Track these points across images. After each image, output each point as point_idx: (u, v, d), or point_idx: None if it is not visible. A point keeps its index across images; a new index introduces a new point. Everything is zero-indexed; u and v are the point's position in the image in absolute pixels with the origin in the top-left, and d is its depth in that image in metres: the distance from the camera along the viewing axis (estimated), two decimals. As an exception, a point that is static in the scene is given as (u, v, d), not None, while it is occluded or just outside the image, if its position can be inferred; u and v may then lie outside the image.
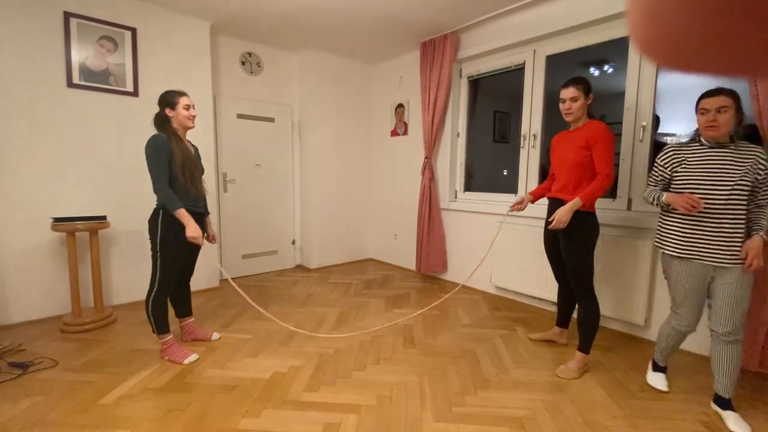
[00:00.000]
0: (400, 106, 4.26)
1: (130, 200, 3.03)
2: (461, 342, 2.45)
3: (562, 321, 2.39)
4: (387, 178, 4.54)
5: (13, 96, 2.54)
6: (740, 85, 1.72)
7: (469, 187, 3.83)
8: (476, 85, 3.77)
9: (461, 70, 3.66)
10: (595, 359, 2.21)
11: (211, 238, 2.41)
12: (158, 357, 2.19)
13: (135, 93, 2.99)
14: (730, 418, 1.63)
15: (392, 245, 4.53)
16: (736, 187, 1.56)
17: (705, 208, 1.60)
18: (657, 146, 2.56)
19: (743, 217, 1.59)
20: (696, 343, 2.28)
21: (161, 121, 2.08)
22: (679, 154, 1.72)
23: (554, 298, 2.69)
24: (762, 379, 2.03)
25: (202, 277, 3.40)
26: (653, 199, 1.80)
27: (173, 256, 2.09)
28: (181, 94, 2.09)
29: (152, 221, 2.06)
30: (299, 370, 2.07)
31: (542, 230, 2.86)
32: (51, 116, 2.68)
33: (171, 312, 2.31)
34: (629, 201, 2.57)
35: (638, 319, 2.45)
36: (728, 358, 1.65)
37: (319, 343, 2.40)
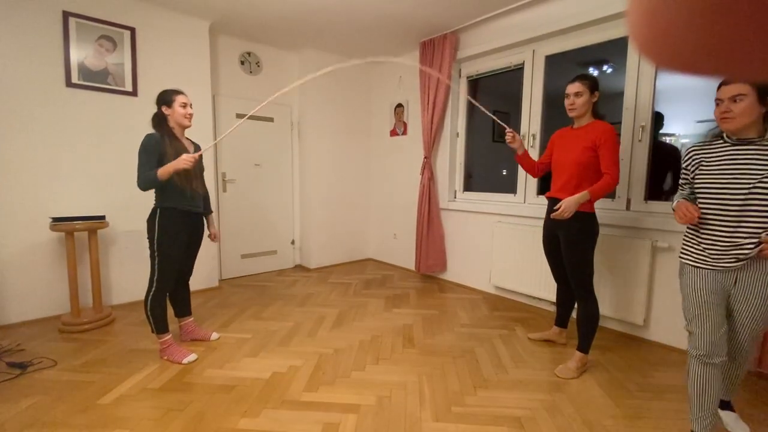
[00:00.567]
0: (400, 106, 4.26)
1: (129, 200, 3.02)
2: (460, 342, 2.45)
3: (561, 321, 2.39)
4: (386, 178, 4.54)
5: (12, 95, 2.54)
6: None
7: (468, 186, 3.83)
8: (475, 85, 3.77)
9: (460, 69, 3.66)
10: (594, 359, 2.22)
11: (213, 237, 2.42)
12: (157, 357, 2.19)
13: (134, 93, 2.99)
14: (729, 418, 1.63)
15: (391, 245, 4.53)
16: (754, 189, 1.34)
17: (717, 214, 1.42)
18: (657, 146, 2.57)
19: (764, 225, 1.36)
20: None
21: (158, 120, 2.09)
22: (699, 153, 1.51)
23: (553, 297, 2.69)
24: (762, 379, 2.04)
25: (201, 277, 3.40)
26: (672, 207, 1.60)
27: (171, 255, 2.09)
28: (178, 92, 2.10)
29: (150, 221, 2.06)
30: (298, 370, 2.07)
31: (541, 230, 2.87)
32: (50, 116, 2.68)
33: (170, 312, 2.31)
34: (628, 201, 2.57)
35: (637, 319, 2.45)
36: (732, 375, 1.57)
37: (319, 343, 2.40)
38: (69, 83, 2.72)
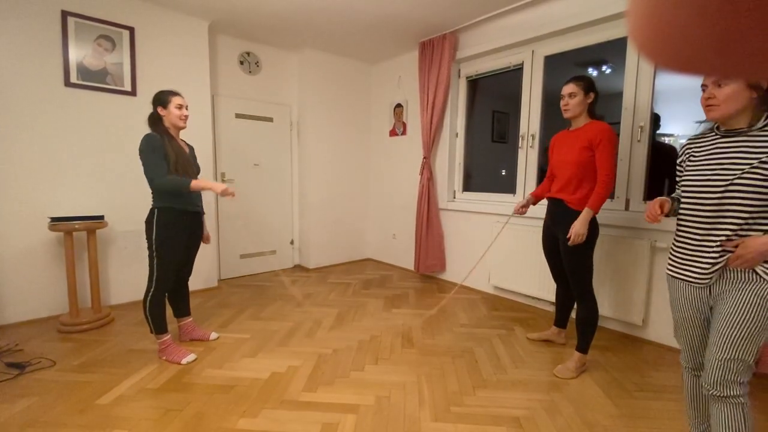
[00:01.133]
0: (399, 106, 4.26)
1: (128, 200, 3.02)
2: (459, 342, 2.45)
3: (560, 321, 2.39)
4: (385, 178, 4.54)
5: (10, 95, 2.53)
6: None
7: (467, 187, 3.83)
8: (475, 85, 3.77)
9: (460, 70, 3.66)
10: (593, 359, 2.22)
11: (205, 239, 2.41)
12: (156, 357, 2.19)
13: (133, 92, 2.98)
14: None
15: (391, 245, 4.52)
16: (730, 187, 1.14)
17: (692, 215, 1.25)
18: (656, 146, 2.57)
19: (742, 229, 1.14)
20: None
21: (154, 121, 2.09)
22: (690, 147, 1.33)
23: (552, 298, 2.70)
24: (761, 379, 2.04)
25: (200, 277, 3.39)
26: None
27: (169, 255, 2.08)
28: (174, 93, 2.10)
29: (148, 221, 2.06)
30: (297, 370, 2.06)
31: (540, 230, 2.87)
32: (48, 115, 2.67)
33: (169, 312, 2.30)
34: (627, 201, 2.57)
35: (636, 319, 2.46)
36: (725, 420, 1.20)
37: (318, 343, 2.40)
38: (68, 83, 2.71)
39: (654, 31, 0.19)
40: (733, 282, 1.18)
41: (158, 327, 2.13)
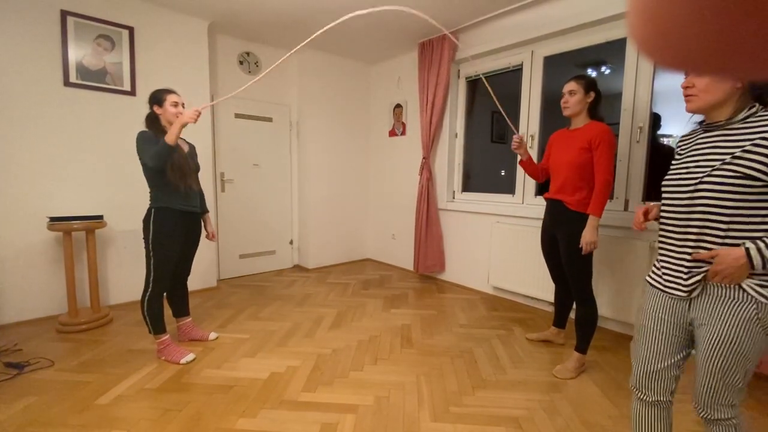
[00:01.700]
0: (398, 106, 4.26)
1: (127, 200, 3.01)
2: (459, 342, 2.45)
3: (559, 321, 2.39)
4: (385, 179, 4.54)
5: (9, 94, 2.53)
6: None
7: (467, 187, 3.83)
8: (474, 85, 3.78)
9: (459, 70, 3.66)
10: (592, 359, 2.22)
11: (210, 236, 2.43)
12: (155, 357, 2.18)
13: (132, 92, 2.98)
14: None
15: (390, 245, 4.52)
16: (700, 185, 1.03)
17: (668, 218, 1.13)
18: (655, 147, 2.57)
19: (719, 238, 1.01)
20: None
21: (150, 120, 2.10)
22: (678, 146, 1.22)
23: (551, 298, 2.70)
24: (761, 380, 2.04)
25: (199, 277, 3.39)
26: None
27: (166, 255, 2.08)
28: (169, 91, 2.10)
29: (145, 221, 2.06)
30: (297, 370, 2.06)
31: (539, 231, 2.87)
32: (47, 115, 2.67)
33: (168, 312, 2.30)
34: (626, 202, 2.58)
35: (635, 320, 2.45)
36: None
37: (317, 343, 2.40)
38: (67, 82, 2.71)
39: (654, 29, 0.19)
40: (716, 299, 1.03)
41: (156, 327, 2.13)
